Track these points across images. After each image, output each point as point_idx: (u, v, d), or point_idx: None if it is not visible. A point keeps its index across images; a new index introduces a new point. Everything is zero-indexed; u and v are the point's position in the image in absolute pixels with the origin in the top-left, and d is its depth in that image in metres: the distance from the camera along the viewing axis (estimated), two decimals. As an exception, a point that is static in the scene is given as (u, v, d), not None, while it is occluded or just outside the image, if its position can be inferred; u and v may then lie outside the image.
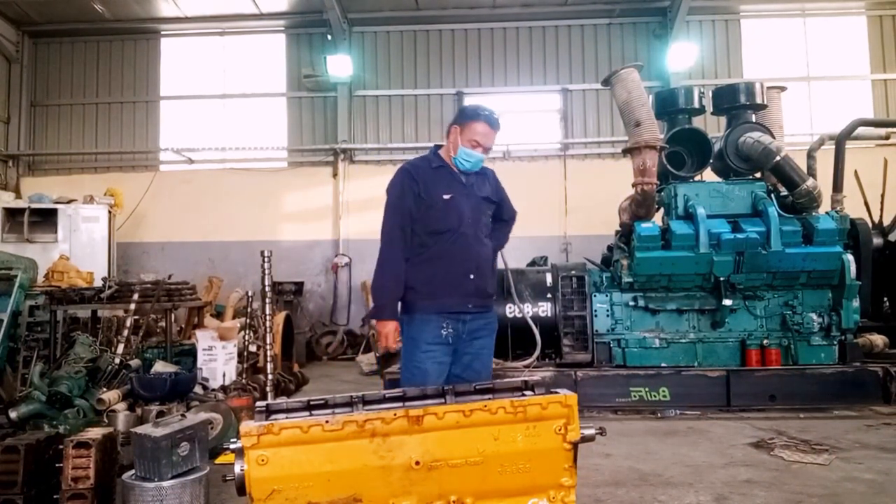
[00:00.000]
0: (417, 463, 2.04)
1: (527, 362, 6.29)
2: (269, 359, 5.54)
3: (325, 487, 2.01)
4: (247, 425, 2.03)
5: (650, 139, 6.23)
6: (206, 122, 12.91)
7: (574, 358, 6.55)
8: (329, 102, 12.64)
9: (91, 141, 13.04)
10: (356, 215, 12.20)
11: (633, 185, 6.50)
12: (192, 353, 6.46)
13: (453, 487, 2.07)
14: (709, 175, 7.21)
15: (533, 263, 7.59)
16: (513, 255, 5.60)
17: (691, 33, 12.32)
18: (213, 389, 5.78)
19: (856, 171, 7.53)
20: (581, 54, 12.56)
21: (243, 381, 6.05)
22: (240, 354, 6.57)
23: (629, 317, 6.74)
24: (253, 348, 6.80)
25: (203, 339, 6.36)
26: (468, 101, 12.58)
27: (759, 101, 6.88)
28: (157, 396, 4.96)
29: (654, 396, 6.16)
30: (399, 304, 3.20)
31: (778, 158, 6.40)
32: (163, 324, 7.27)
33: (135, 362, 5.88)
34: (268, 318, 5.52)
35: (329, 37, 12.36)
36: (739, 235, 6.30)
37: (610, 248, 7.48)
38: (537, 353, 6.31)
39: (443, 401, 2.15)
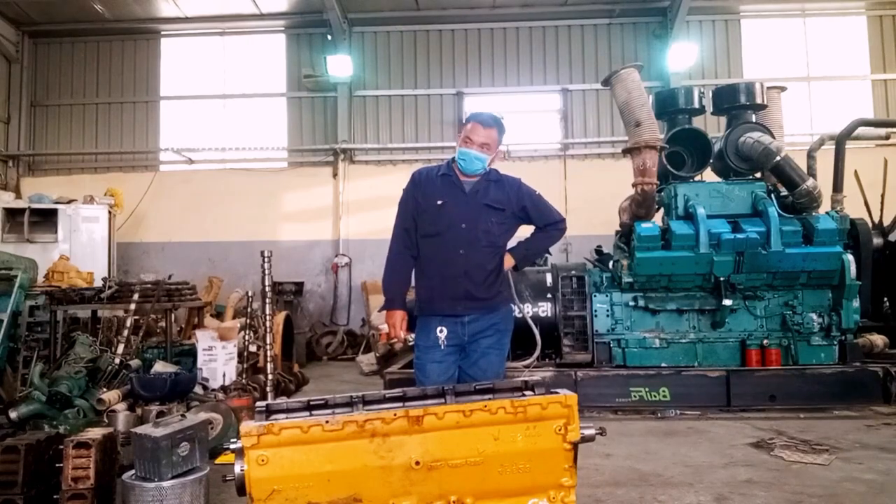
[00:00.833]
0: (417, 463, 2.04)
1: (527, 362, 6.29)
2: (269, 359, 5.54)
3: (325, 487, 2.01)
4: (247, 425, 2.03)
5: (650, 139, 6.23)
6: (206, 123, 12.91)
7: (574, 358, 6.55)
8: (329, 102, 12.64)
9: (91, 141, 13.04)
10: (356, 215, 12.20)
11: (633, 185, 6.50)
12: (192, 353, 6.45)
13: (453, 487, 2.07)
14: (709, 175, 7.21)
15: (533, 263, 7.58)
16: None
17: (691, 33, 12.32)
18: (213, 389, 5.78)
19: (856, 171, 7.54)
20: (581, 54, 12.56)
21: (243, 381, 6.05)
22: (240, 354, 6.57)
23: (629, 317, 6.74)
24: (253, 348, 6.80)
25: (203, 339, 6.35)
26: (468, 101, 12.60)
27: (759, 101, 6.88)
28: (157, 396, 4.96)
29: (654, 396, 6.16)
30: (410, 302, 3.40)
31: (778, 158, 6.40)
32: (163, 324, 7.27)
33: (135, 362, 5.88)
34: (268, 318, 5.52)
35: (329, 37, 12.37)
36: (739, 235, 6.30)
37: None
38: (537, 353, 6.28)
39: (443, 401, 2.15)
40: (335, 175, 12.43)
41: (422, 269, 3.35)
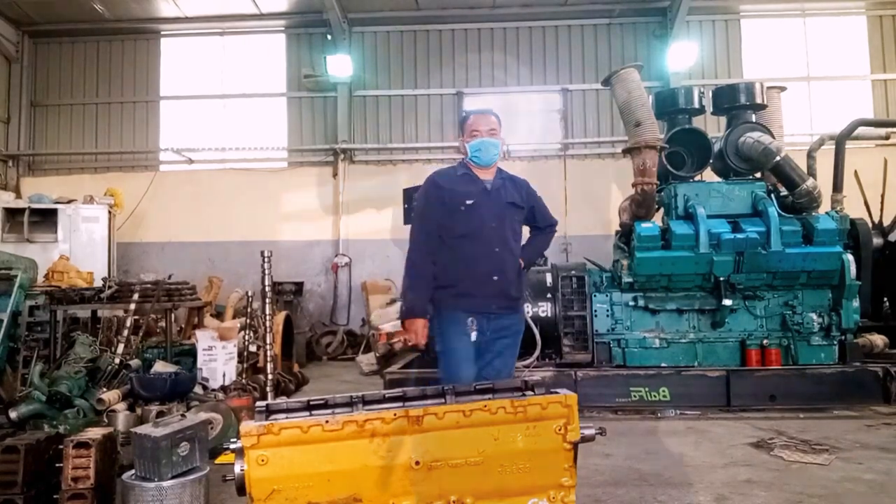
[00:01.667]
0: (417, 463, 2.04)
1: (527, 362, 6.29)
2: (269, 359, 5.54)
3: (325, 487, 2.01)
4: (247, 425, 2.03)
5: (650, 139, 6.24)
6: (206, 122, 12.90)
7: (574, 358, 6.55)
8: (329, 102, 12.64)
9: (91, 141, 13.04)
10: (356, 215, 12.20)
11: (633, 185, 6.50)
12: (192, 353, 6.45)
13: (453, 487, 2.07)
14: (709, 175, 7.21)
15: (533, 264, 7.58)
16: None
17: (691, 33, 12.32)
18: (213, 389, 5.78)
19: (856, 171, 7.54)
20: (581, 54, 12.56)
21: (243, 381, 6.05)
22: (240, 354, 6.57)
23: (629, 317, 6.74)
24: (253, 348, 6.80)
25: (203, 339, 6.35)
26: (468, 101, 12.59)
27: (759, 101, 6.88)
28: (157, 396, 4.96)
29: (654, 396, 6.16)
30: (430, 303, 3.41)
31: (778, 158, 6.40)
32: (163, 324, 7.26)
33: (135, 362, 5.88)
34: (268, 318, 5.52)
35: (329, 37, 12.36)
36: (739, 235, 6.30)
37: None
38: (537, 353, 6.31)
39: (443, 401, 2.15)
40: (335, 175, 12.42)
41: (450, 268, 3.33)
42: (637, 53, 12.35)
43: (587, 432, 2.18)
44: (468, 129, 3.38)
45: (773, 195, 6.64)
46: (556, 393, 2.19)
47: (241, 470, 1.99)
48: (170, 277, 7.43)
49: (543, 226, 3.61)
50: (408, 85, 12.65)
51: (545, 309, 6.70)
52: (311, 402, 2.14)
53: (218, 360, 6.26)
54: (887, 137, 9.38)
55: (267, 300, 5.43)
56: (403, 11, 12.47)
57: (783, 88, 7.63)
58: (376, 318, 10.17)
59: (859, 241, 6.72)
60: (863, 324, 6.72)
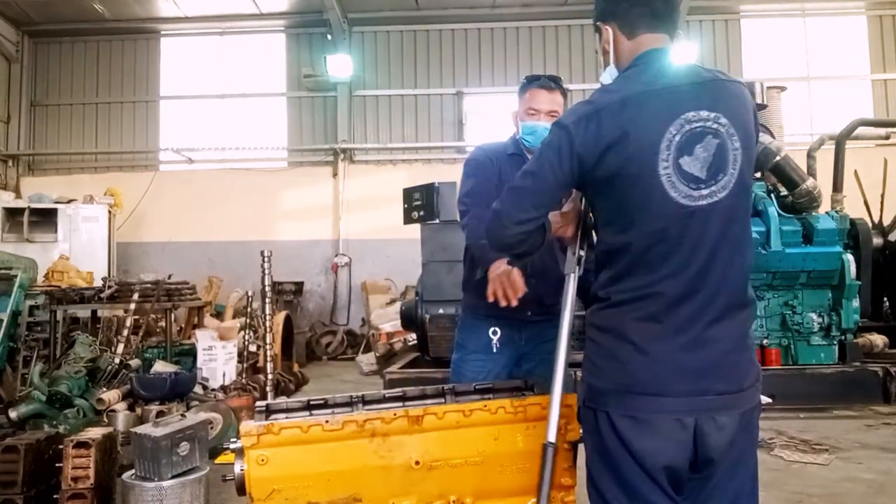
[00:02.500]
0: (417, 463, 2.04)
1: (527, 362, 6.28)
2: (269, 359, 5.54)
3: (325, 487, 2.01)
4: (247, 425, 2.03)
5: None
6: (206, 122, 12.90)
7: (574, 358, 6.53)
8: (329, 102, 12.64)
9: (91, 141, 13.04)
10: (356, 215, 12.20)
11: (633, 185, 6.49)
12: (192, 353, 6.46)
13: (453, 487, 2.07)
14: (709, 175, 7.19)
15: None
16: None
17: (691, 33, 12.32)
18: (213, 389, 5.79)
19: (856, 171, 7.53)
20: (581, 54, 12.56)
21: (243, 381, 6.05)
22: (240, 354, 6.57)
23: (629, 317, 6.73)
24: (253, 348, 6.80)
25: (203, 339, 6.36)
26: (468, 101, 12.59)
27: (759, 101, 6.87)
28: (157, 396, 4.96)
29: (654, 396, 6.15)
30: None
31: (778, 158, 6.40)
32: (163, 324, 7.27)
33: (135, 362, 5.88)
34: (268, 317, 5.52)
35: (329, 37, 12.36)
36: (739, 235, 6.30)
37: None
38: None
39: (443, 401, 2.15)
40: (335, 175, 12.43)
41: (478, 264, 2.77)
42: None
43: (587, 432, 2.18)
44: (525, 104, 2.82)
45: (773, 195, 6.64)
46: (556, 393, 2.18)
47: (241, 470, 1.99)
48: (170, 277, 7.44)
49: None
50: (408, 85, 12.65)
51: (545, 309, 6.69)
52: (311, 402, 2.14)
53: (218, 359, 6.26)
54: (887, 137, 9.38)
55: (267, 300, 5.43)
56: (403, 11, 12.47)
57: (783, 88, 7.62)
58: (376, 317, 10.17)
59: (859, 241, 6.72)
60: (863, 324, 6.71)
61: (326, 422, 2.02)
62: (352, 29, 12.60)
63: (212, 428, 4.54)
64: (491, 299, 2.50)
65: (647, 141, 1.60)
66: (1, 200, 10.89)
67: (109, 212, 11.03)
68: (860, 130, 7.64)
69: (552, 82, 2.84)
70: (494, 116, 12.41)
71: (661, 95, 1.64)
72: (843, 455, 4.47)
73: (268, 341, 5.54)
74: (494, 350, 2.80)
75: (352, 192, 12.29)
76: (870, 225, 7.03)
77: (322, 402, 2.14)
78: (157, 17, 12.83)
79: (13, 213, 10.72)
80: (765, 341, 6.52)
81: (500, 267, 2.51)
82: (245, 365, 6.48)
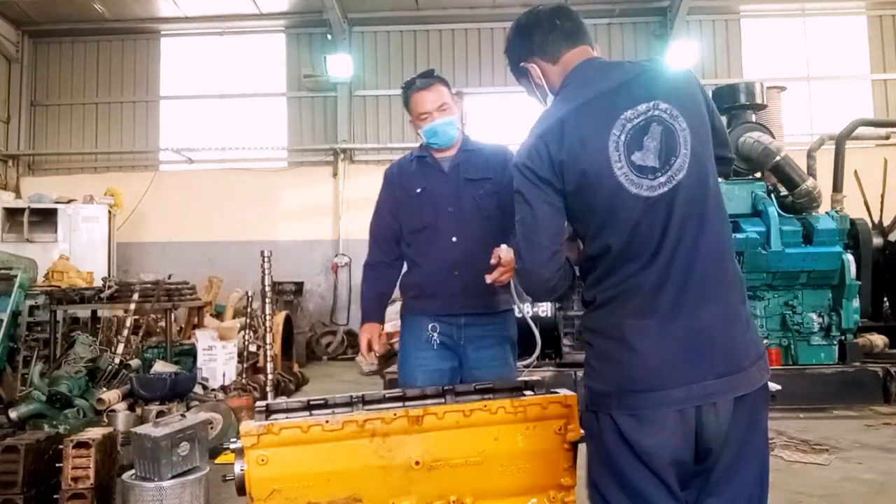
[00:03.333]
0: (417, 463, 2.04)
1: (527, 362, 6.28)
2: (269, 359, 5.53)
3: (325, 487, 2.01)
4: (247, 425, 2.03)
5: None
6: (206, 122, 12.90)
7: (574, 358, 6.55)
8: (329, 102, 12.64)
9: (91, 141, 13.04)
10: (356, 215, 12.18)
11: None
12: (192, 353, 6.46)
13: (453, 487, 2.07)
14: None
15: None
16: (513, 255, 5.59)
17: (691, 33, 12.32)
18: (213, 389, 5.79)
19: (856, 171, 7.54)
20: (581, 54, 12.55)
21: (243, 381, 6.06)
22: (240, 354, 6.58)
23: (629, 317, 6.74)
24: (253, 348, 6.80)
25: (203, 339, 6.36)
26: (468, 101, 12.57)
27: (759, 101, 6.88)
28: (157, 396, 4.96)
29: (654, 396, 6.15)
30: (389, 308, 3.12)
31: (778, 158, 6.40)
32: (163, 324, 7.27)
33: (135, 362, 5.88)
34: (268, 318, 5.52)
35: (329, 37, 12.37)
36: (739, 235, 6.30)
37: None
38: (537, 353, 6.29)
39: (443, 401, 2.15)
40: (335, 175, 12.43)
41: (410, 267, 2.95)
42: (637, 53, 12.35)
43: (587, 432, 2.18)
44: (414, 112, 2.84)
45: (773, 195, 6.65)
46: (556, 393, 2.18)
47: (241, 470, 1.99)
48: (170, 277, 7.43)
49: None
50: (408, 85, 12.63)
51: (545, 309, 6.70)
52: (311, 402, 2.14)
53: (218, 360, 6.26)
54: (887, 137, 9.38)
55: (267, 300, 5.43)
56: (403, 11, 12.47)
57: (783, 88, 7.63)
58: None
59: (859, 241, 6.72)
60: (863, 324, 6.72)
61: (326, 422, 2.01)
62: (352, 29, 12.60)
63: (212, 428, 4.54)
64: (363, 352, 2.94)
65: (594, 149, 1.64)
66: (1, 200, 10.88)
67: (109, 212, 11.03)
68: (860, 130, 7.65)
69: (426, 79, 2.88)
70: (494, 116, 12.43)
71: (595, 104, 1.68)
72: (843, 455, 4.48)
73: (268, 341, 5.54)
74: (434, 347, 2.81)
75: (352, 192, 12.29)
76: (870, 225, 7.04)
77: (322, 402, 2.14)
78: (157, 17, 12.83)
79: (13, 213, 10.72)
80: (765, 341, 6.52)
81: (367, 330, 2.93)
82: (245, 365, 6.49)
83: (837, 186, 7.15)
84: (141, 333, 7.26)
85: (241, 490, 2.00)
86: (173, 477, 3.21)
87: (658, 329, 1.61)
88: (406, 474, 2.04)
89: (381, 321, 2.99)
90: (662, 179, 1.63)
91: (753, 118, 6.95)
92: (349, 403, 2.12)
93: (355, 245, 12.16)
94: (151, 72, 13.06)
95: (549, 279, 1.81)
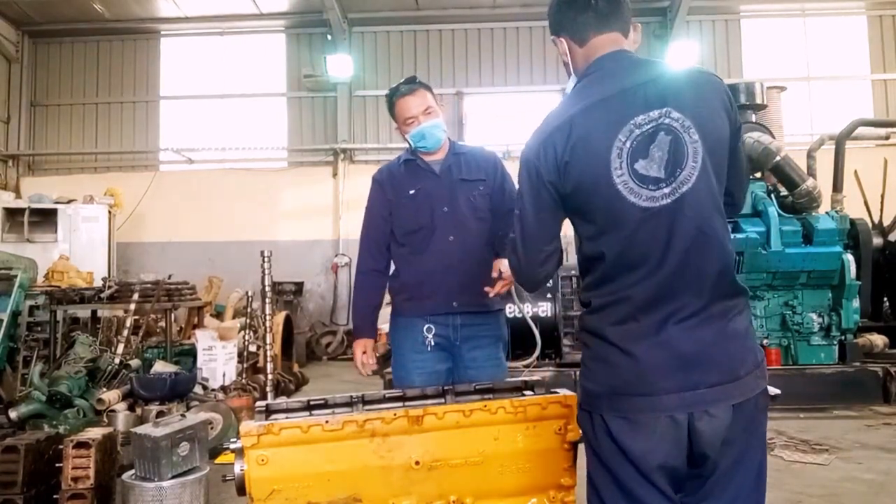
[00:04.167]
0: (417, 463, 2.04)
1: (527, 362, 6.29)
2: (269, 359, 5.53)
3: (325, 487, 2.01)
4: (247, 425, 2.03)
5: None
6: (206, 122, 12.90)
7: (574, 358, 6.55)
8: (329, 102, 12.64)
9: (91, 141, 13.04)
10: (356, 215, 12.08)
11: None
12: (192, 353, 6.46)
13: (453, 487, 2.07)
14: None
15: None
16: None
17: (691, 33, 12.32)
18: (213, 389, 5.79)
19: (856, 171, 7.54)
20: (581, 54, 12.55)
21: (243, 381, 6.06)
22: (240, 354, 6.58)
23: (629, 317, 6.74)
24: (253, 348, 6.80)
25: (203, 339, 6.36)
26: (468, 101, 12.59)
27: (759, 101, 6.88)
28: (157, 396, 4.96)
29: (654, 396, 6.15)
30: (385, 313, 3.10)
31: (778, 158, 6.40)
32: (163, 324, 7.27)
33: (135, 362, 5.88)
34: (268, 318, 5.52)
35: (329, 37, 12.37)
36: (739, 235, 6.30)
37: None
38: (537, 353, 6.30)
39: (443, 401, 2.15)
40: (335, 175, 12.43)
41: (404, 268, 2.94)
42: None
43: (587, 432, 2.17)
44: (400, 118, 2.91)
45: (773, 195, 6.64)
46: (556, 393, 2.19)
47: (241, 470, 1.99)
48: (170, 277, 7.43)
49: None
50: (408, 84, 12.63)
51: (545, 309, 6.70)
52: (311, 402, 2.14)
53: (218, 360, 6.26)
54: (887, 137, 9.38)
55: (267, 300, 5.43)
56: (403, 11, 12.47)
57: (783, 88, 7.63)
58: (376, 318, 10.15)
59: (859, 241, 6.72)
60: (863, 324, 6.72)
61: (326, 422, 2.02)
62: (352, 29, 12.60)
63: (212, 428, 4.54)
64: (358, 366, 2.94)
65: (595, 152, 1.61)
66: (1, 200, 10.88)
67: (109, 212, 11.03)
68: (860, 130, 7.65)
69: (410, 85, 2.92)
70: (494, 116, 12.43)
71: (608, 104, 1.64)
72: (843, 455, 4.48)
73: (268, 341, 5.54)
74: (430, 349, 2.83)
75: (352, 192, 12.28)
76: (870, 225, 7.03)
77: (322, 402, 2.14)
78: (157, 17, 12.83)
79: (13, 213, 10.72)
80: (765, 341, 6.52)
81: (361, 345, 2.95)
82: (245, 365, 6.49)
83: (837, 186, 7.15)
84: (141, 333, 7.27)
85: (241, 490, 2.00)
86: (173, 477, 3.21)
87: (654, 338, 1.60)
88: (406, 474, 2.04)
89: (374, 335, 3.04)
90: (666, 191, 1.60)
91: (753, 118, 6.95)
92: (349, 403, 2.12)
93: (355, 245, 11.97)
94: (151, 72, 13.06)
95: (541, 275, 1.86)
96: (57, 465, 3.42)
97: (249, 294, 7.60)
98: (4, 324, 5.61)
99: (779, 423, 5.50)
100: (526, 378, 2.35)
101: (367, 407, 2.11)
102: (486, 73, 12.62)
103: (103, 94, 13.08)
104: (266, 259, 5.30)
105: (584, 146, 1.62)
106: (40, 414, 4.83)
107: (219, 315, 9.57)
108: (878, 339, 6.91)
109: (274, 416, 2.08)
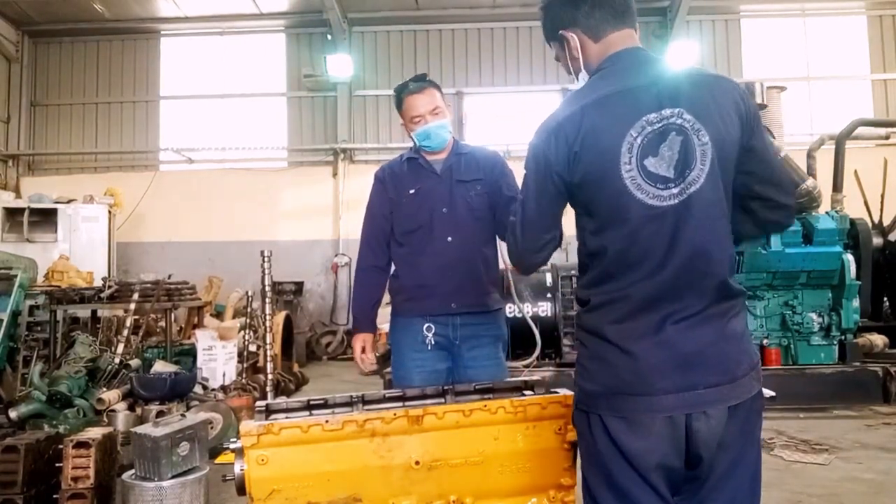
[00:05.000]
0: (417, 463, 2.04)
1: (527, 362, 6.29)
2: (269, 359, 5.53)
3: (325, 487, 2.01)
4: (247, 425, 2.03)
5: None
6: (206, 122, 12.90)
7: (574, 358, 6.54)
8: (329, 102, 12.64)
9: (91, 141, 13.04)
10: (356, 215, 12.10)
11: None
12: (192, 353, 6.46)
13: (453, 487, 2.07)
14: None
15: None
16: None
17: (691, 33, 12.32)
18: (213, 389, 5.79)
19: (856, 171, 7.54)
20: (581, 54, 12.55)
21: (243, 381, 6.06)
22: (240, 354, 6.58)
23: (629, 317, 6.74)
24: (253, 348, 6.81)
25: (203, 339, 6.36)
26: (468, 101, 12.59)
27: (759, 101, 6.87)
28: (157, 396, 4.96)
29: (654, 396, 6.15)
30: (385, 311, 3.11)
31: (778, 158, 6.40)
32: (163, 324, 7.27)
33: (135, 362, 5.89)
34: (268, 317, 5.52)
35: (329, 37, 12.37)
36: (739, 235, 6.30)
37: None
38: (537, 353, 6.30)
39: (443, 401, 2.15)
40: (335, 175, 12.43)
41: (403, 268, 2.95)
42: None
43: (587, 432, 2.17)
44: (407, 116, 2.90)
45: (773, 195, 6.64)
46: (556, 393, 2.18)
47: (241, 470, 1.99)
48: (170, 277, 7.43)
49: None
50: (408, 84, 12.64)
51: (545, 309, 6.70)
52: (311, 402, 2.14)
53: (218, 359, 6.27)
54: (887, 137, 9.38)
55: (267, 300, 5.43)
56: (403, 11, 12.47)
57: (783, 88, 7.62)
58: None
59: (859, 241, 6.72)
60: (863, 324, 6.72)
61: (326, 422, 2.01)
62: (352, 29, 12.60)
63: (212, 428, 4.54)
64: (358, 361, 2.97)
65: (605, 146, 1.60)
66: (1, 200, 10.88)
67: (109, 212, 11.03)
68: (860, 130, 7.65)
69: (420, 83, 2.91)
70: (494, 116, 12.43)
71: (622, 98, 1.63)
72: (843, 455, 4.48)
73: (268, 341, 5.54)
74: (430, 348, 2.83)
75: (352, 192, 12.27)
76: (870, 225, 7.03)
77: (322, 402, 2.14)
78: (157, 17, 12.83)
79: (13, 213, 10.72)
80: (765, 341, 6.53)
81: (361, 339, 2.98)
82: (245, 365, 6.49)
83: (837, 186, 7.15)
84: (141, 333, 7.27)
85: (241, 490, 2.00)
86: (173, 477, 3.21)
87: (653, 337, 1.60)
88: (406, 474, 2.04)
89: (374, 330, 3.04)
90: (675, 191, 1.59)
91: (753, 118, 6.95)
92: (349, 403, 2.12)
93: (355, 245, 11.98)
94: (151, 72, 13.06)
95: (536, 261, 1.87)
96: (57, 464, 3.42)
97: (249, 294, 7.61)
98: (4, 324, 5.61)
99: (779, 422, 5.51)
100: (526, 378, 2.35)
101: (367, 407, 2.11)
102: (486, 72, 12.62)
103: (103, 93, 13.08)
104: (266, 259, 5.30)
105: (595, 137, 1.61)
106: (40, 414, 4.84)
107: (219, 315, 9.57)
108: (878, 339, 6.91)
109: (274, 416, 2.08)
